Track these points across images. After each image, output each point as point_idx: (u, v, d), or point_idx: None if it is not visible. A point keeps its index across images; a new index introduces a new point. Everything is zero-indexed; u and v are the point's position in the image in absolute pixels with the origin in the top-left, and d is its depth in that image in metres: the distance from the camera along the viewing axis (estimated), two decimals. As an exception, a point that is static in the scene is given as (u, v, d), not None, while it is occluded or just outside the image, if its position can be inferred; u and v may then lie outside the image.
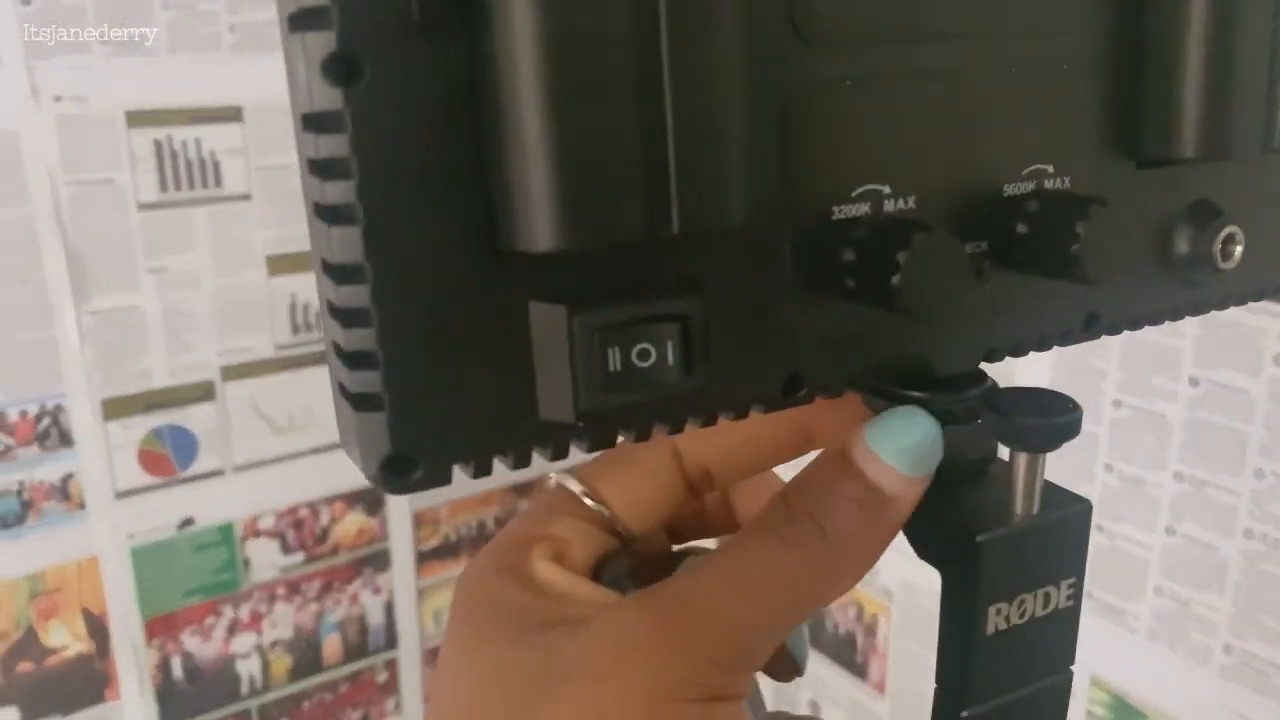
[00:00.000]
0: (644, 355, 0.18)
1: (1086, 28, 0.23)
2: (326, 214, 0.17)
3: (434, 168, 0.17)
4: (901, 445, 0.22)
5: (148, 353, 1.10)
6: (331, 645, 1.32)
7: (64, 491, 1.09)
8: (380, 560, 1.33)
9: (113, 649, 1.16)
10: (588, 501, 0.26)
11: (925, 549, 0.24)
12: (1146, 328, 0.26)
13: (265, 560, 1.24)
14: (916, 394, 0.23)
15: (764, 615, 0.22)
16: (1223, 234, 0.25)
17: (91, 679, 1.15)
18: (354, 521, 1.30)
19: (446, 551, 1.37)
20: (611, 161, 0.17)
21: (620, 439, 0.20)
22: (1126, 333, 0.74)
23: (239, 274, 1.14)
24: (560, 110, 0.17)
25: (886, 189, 0.21)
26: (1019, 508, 0.23)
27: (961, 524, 0.22)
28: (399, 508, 1.33)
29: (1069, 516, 0.24)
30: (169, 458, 1.14)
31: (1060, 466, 0.79)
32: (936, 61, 0.21)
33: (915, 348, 0.23)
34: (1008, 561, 0.22)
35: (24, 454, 1.06)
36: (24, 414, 1.05)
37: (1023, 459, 0.23)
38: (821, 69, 0.20)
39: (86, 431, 1.08)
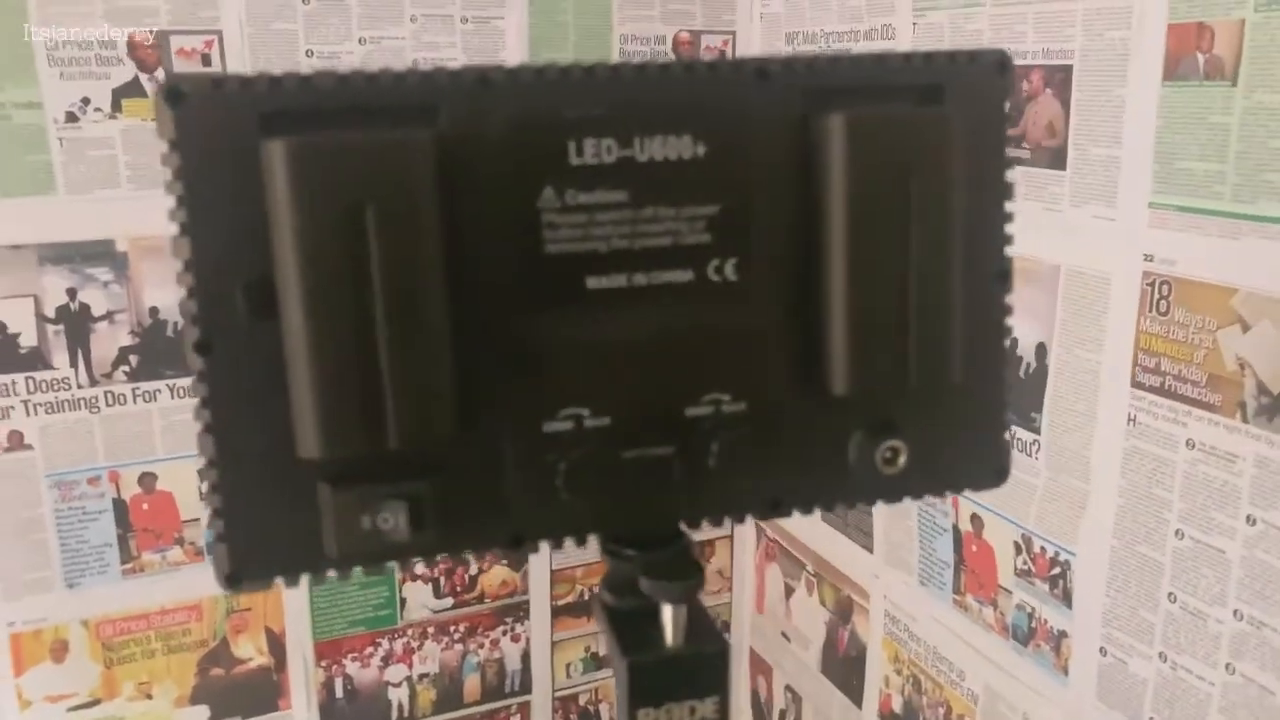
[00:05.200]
0: (385, 520, 0.29)
1: (764, 293, 0.32)
2: (201, 430, 0.30)
3: (259, 414, 0.29)
4: None
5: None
6: (472, 684, 1.47)
7: (257, 527, 1.30)
8: (520, 611, 1.47)
9: (288, 665, 1.35)
10: None
11: (615, 669, 0.33)
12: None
13: (419, 601, 1.41)
14: (626, 552, 0.33)
15: None
16: (883, 448, 0.33)
17: (269, 689, 1.35)
18: (499, 574, 1.45)
19: (580, 609, 1.50)
20: (348, 407, 0.28)
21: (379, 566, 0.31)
22: (1185, 468, 0.76)
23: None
24: (315, 375, 0.28)
25: (586, 411, 0.31)
26: (669, 640, 0.32)
27: (621, 649, 0.32)
28: (539, 565, 1.46)
29: (707, 651, 0.32)
30: (341, 505, 1.34)
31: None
32: (632, 322, 0.31)
33: (621, 517, 0.32)
34: (652, 679, 0.31)
35: (229, 493, 1.28)
36: (232, 459, 1.27)
37: (668, 606, 0.32)
38: (535, 327, 0.31)
39: (278, 478, 1.29)
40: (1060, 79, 0.92)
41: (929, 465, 0.33)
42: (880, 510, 1.22)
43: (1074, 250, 0.93)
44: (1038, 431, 0.99)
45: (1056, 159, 0.93)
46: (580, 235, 0.30)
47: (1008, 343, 0.34)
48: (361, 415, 0.28)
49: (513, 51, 1.30)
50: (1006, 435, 0.34)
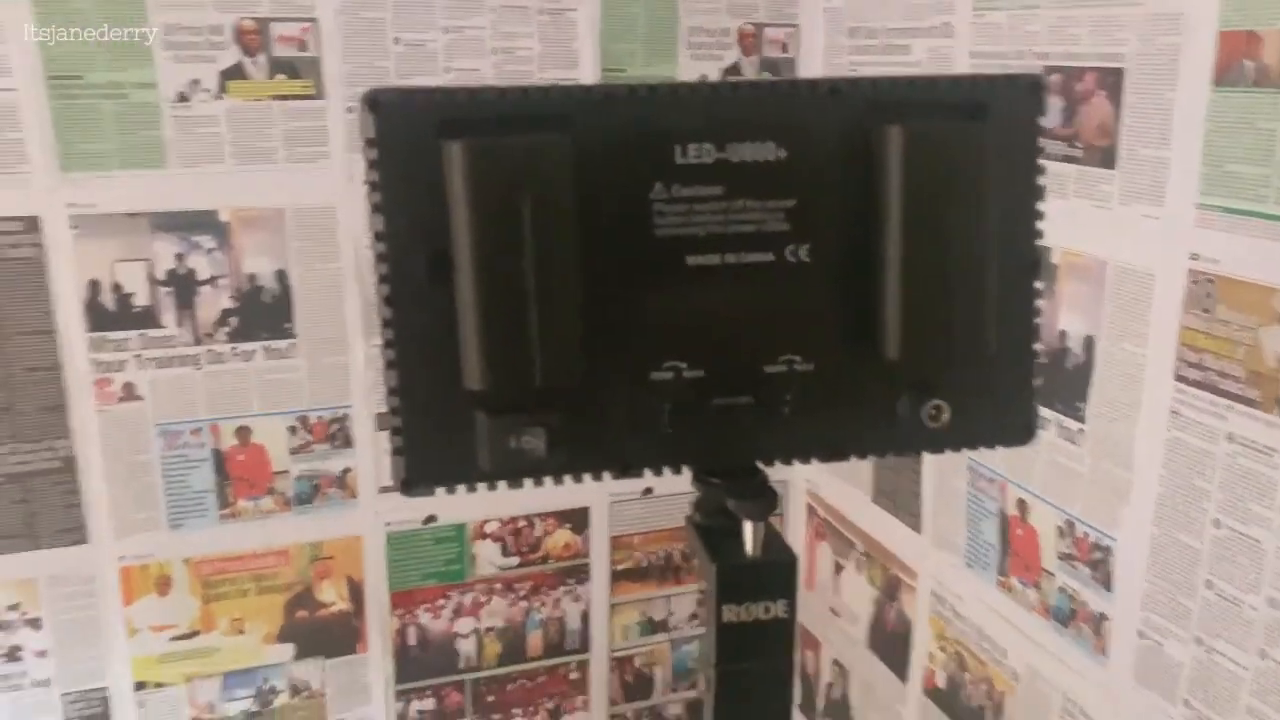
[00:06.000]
0: (528, 442, 0.37)
1: (832, 273, 0.39)
2: (384, 366, 0.38)
3: (431, 356, 0.37)
4: None
5: (414, 380, 1.40)
6: (534, 639, 1.56)
7: (342, 482, 1.39)
8: (581, 573, 1.55)
9: (366, 612, 1.45)
10: None
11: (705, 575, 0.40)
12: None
13: (488, 559, 1.50)
14: (715, 481, 0.40)
15: None
16: (929, 405, 0.39)
17: (348, 633, 1.45)
18: (562, 537, 1.53)
19: (637, 574, 1.58)
20: (505, 350, 0.36)
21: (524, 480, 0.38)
22: (1225, 460, 0.81)
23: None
24: (481, 325, 0.36)
25: (684, 365, 0.38)
26: (748, 550, 0.39)
27: (710, 556, 0.39)
28: (600, 530, 1.55)
29: (780, 560, 0.39)
30: (420, 465, 1.43)
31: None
32: (722, 293, 0.38)
33: (709, 452, 0.40)
34: (735, 580, 0.39)
35: (318, 449, 1.37)
36: (321, 418, 1.37)
37: (748, 523, 0.39)
38: (646, 294, 0.38)
39: (364, 437, 1.38)
40: (1112, 81, 0.97)
41: (967, 422, 0.40)
42: (929, 493, 1.28)
43: (1122, 247, 0.97)
44: (1083, 421, 1.03)
45: (1107, 158, 0.98)
46: (683, 221, 0.38)
47: (1037, 321, 0.40)
48: (515, 357, 0.36)
49: (584, 41, 1.37)
50: (1035, 400, 0.41)
